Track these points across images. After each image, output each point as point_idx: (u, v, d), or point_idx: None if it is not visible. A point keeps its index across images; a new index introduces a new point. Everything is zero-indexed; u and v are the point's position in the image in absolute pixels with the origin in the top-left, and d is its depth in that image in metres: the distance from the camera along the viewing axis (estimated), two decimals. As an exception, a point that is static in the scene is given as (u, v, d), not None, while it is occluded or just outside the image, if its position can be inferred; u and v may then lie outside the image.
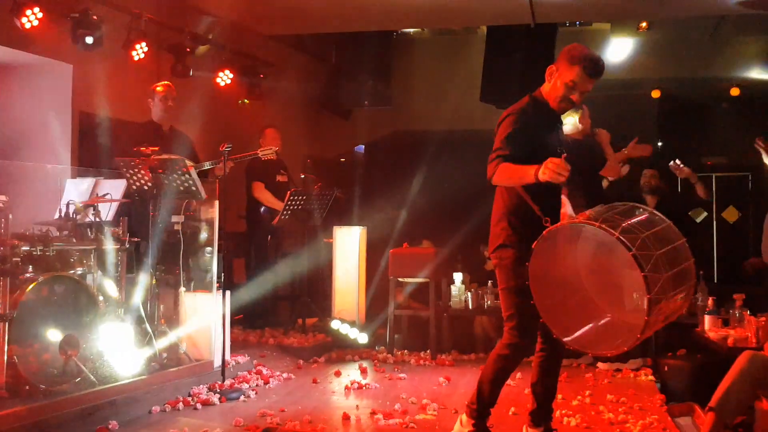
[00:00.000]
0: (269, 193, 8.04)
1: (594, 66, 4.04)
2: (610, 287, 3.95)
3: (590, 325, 3.95)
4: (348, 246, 8.15)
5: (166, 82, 6.99)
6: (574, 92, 4.07)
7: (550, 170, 3.65)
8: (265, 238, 8.12)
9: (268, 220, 7.98)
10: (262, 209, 8.05)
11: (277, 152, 7.14)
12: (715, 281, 9.49)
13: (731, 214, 10.61)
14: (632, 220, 3.75)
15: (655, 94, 10.67)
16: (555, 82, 4.12)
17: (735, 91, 10.37)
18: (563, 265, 3.99)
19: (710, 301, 6.05)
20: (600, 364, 6.69)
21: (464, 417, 4.28)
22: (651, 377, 6.36)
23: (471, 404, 4.25)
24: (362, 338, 7.71)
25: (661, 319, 3.74)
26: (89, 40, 6.92)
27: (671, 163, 7.37)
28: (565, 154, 3.77)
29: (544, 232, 3.82)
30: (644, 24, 10.00)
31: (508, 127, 4.04)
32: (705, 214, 10.11)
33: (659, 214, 3.91)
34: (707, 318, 5.89)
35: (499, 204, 4.21)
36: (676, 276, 3.69)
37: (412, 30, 10.45)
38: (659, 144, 11.08)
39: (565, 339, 3.93)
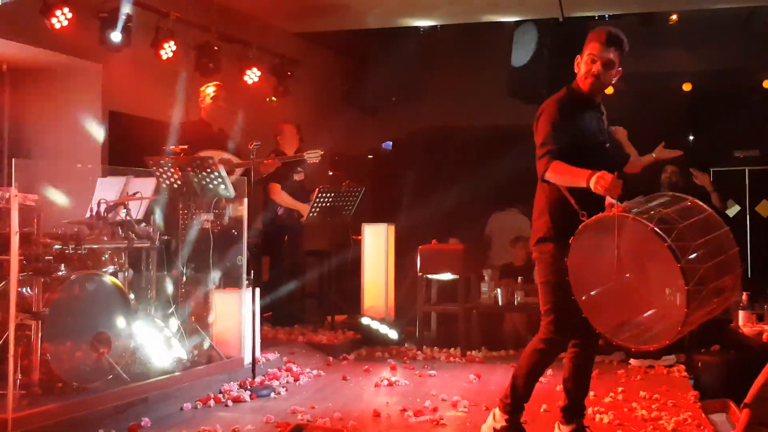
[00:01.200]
0: (286, 194, 7.90)
1: (606, 33, 4.07)
2: (650, 280, 3.89)
3: (632, 318, 3.90)
4: (377, 243, 8.14)
5: (216, 83, 7.11)
6: (594, 64, 4.07)
7: (602, 186, 3.65)
8: (282, 239, 8.05)
9: (285, 220, 7.94)
10: (279, 210, 7.94)
11: (322, 155, 7.12)
12: (749, 276, 9.37)
13: (765, 208, 10.47)
14: (669, 210, 3.68)
15: (687, 87, 10.56)
16: (580, 66, 4.14)
17: (767, 83, 10.23)
18: (602, 260, 3.94)
19: (744, 297, 5.98)
20: (633, 361, 6.63)
21: (497, 412, 4.26)
22: (684, 373, 6.30)
23: (504, 399, 4.22)
24: (393, 334, 7.70)
25: (706, 310, 3.68)
26: (116, 37, 6.98)
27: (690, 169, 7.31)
28: (608, 144, 3.82)
29: (579, 227, 3.79)
30: (674, 17, 9.89)
31: (549, 120, 4.03)
32: (738, 208, 9.97)
33: (700, 203, 3.84)
34: (741, 313, 5.83)
35: (540, 197, 4.18)
36: (719, 266, 3.62)
37: (438, 25, 10.41)
38: (690, 138, 10.96)
39: (609, 335, 3.89)
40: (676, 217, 3.63)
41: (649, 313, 3.87)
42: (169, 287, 5.85)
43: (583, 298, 3.88)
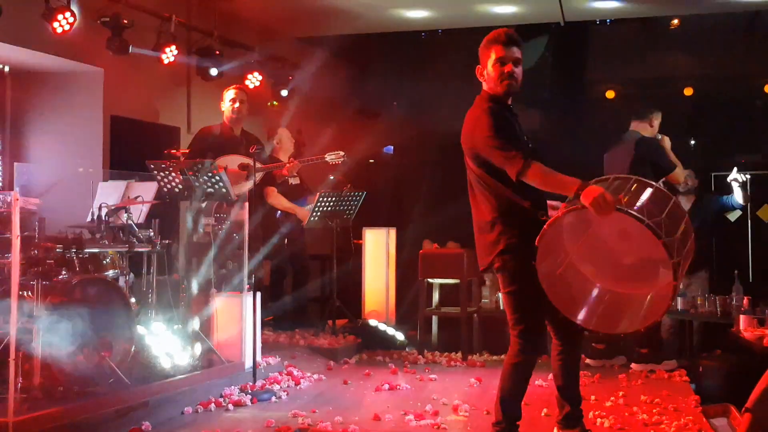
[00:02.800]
0: (283, 198, 7.85)
1: (504, 33, 4.08)
2: (625, 265, 3.96)
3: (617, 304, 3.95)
4: (378, 247, 8.15)
5: (237, 86, 7.14)
6: (505, 66, 4.04)
7: (597, 205, 3.54)
8: (282, 242, 8.04)
9: (283, 225, 7.93)
10: (278, 214, 7.92)
11: (345, 157, 7.12)
12: (751, 280, 9.35)
13: (766, 213, 10.44)
14: (624, 193, 3.75)
15: (688, 91, 10.54)
16: (488, 74, 4.10)
17: (769, 88, 10.22)
18: (567, 256, 3.97)
19: (745, 301, 5.98)
20: (633, 365, 6.63)
21: None
22: (686, 378, 6.29)
23: (498, 424, 4.09)
24: (399, 336, 7.71)
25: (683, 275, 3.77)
26: (123, 45, 7.02)
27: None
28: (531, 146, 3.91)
29: (545, 227, 3.76)
30: (676, 21, 9.88)
31: (496, 125, 3.95)
32: (740, 213, 9.95)
33: (643, 179, 3.93)
34: (742, 318, 5.82)
35: (483, 210, 4.08)
36: (684, 234, 3.72)
37: (440, 29, 10.41)
38: (692, 142, 10.94)
39: (603, 329, 3.94)
40: (633, 199, 3.72)
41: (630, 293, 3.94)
42: (170, 291, 5.85)
43: (558, 299, 3.92)
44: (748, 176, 7.54)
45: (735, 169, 7.34)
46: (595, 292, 3.99)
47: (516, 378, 4.08)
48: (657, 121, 6.65)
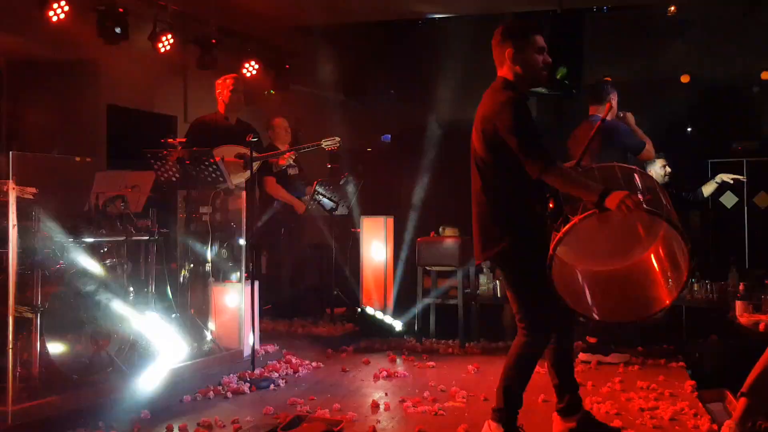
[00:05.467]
0: (281, 188, 7.89)
1: (539, 24, 4.19)
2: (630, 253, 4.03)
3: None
4: (375, 235, 8.15)
5: (233, 74, 7.12)
6: (545, 54, 4.08)
7: (624, 206, 3.63)
8: (279, 232, 8.05)
9: (281, 214, 7.95)
10: (275, 203, 7.93)
11: (340, 142, 7.11)
12: (747, 266, 9.37)
13: (762, 200, 10.46)
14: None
15: (684, 78, 10.54)
16: (526, 61, 4.06)
17: (766, 75, 10.21)
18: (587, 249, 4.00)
19: (741, 287, 5.98)
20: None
21: (492, 423, 4.10)
22: (682, 363, 6.31)
23: (499, 410, 4.09)
24: (397, 325, 7.73)
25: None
26: (119, 34, 7.00)
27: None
28: None
29: (560, 233, 3.79)
30: (673, 8, 9.87)
31: (522, 112, 3.93)
32: (736, 200, 9.97)
33: (622, 164, 4.10)
34: (738, 303, 5.83)
35: (487, 201, 4.06)
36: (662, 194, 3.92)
37: (438, 17, 10.39)
38: (689, 129, 10.95)
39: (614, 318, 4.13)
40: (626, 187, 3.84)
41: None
42: (168, 280, 5.86)
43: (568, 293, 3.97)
44: (744, 179, 7.48)
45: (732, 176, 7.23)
46: (595, 281, 4.04)
47: (521, 368, 4.09)
48: (615, 99, 6.29)
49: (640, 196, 3.75)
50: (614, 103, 6.24)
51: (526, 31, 4.08)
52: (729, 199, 10.16)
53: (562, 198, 3.98)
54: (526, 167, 3.86)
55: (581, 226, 3.81)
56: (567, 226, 3.78)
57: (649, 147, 6.24)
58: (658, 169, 7.12)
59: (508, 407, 4.08)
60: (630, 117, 6.38)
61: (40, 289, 4.66)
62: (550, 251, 3.81)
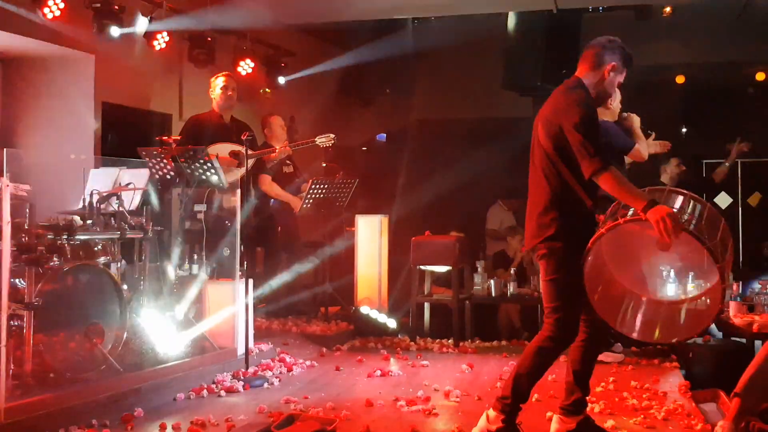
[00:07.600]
0: (277, 186, 7.85)
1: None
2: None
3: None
4: (370, 235, 8.14)
5: (226, 73, 7.14)
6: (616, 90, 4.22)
7: (663, 228, 3.63)
8: (274, 230, 8.04)
9: (277, 212, 7.93)
10: (271, 202, 7.89)
11: (335, 139, 7.10)
12: (740, 267, 9.40)
13: (756, 200, 10.50)
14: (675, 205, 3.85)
15: (680, 79, 10.56)
16: (612, 81, 4.20)
17: (761, 76, 10.24)
18: (616, 261, 4.03)
19: (735, 287, 5.99)
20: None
21: (492, 412, 4.11)
22: (675, 363, 6.32)
23: (504, 399, 4.08)
24: (392, 323, 7.73)
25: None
26: (114, 31, 6.99)
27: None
28: None
29: (602, 230, 3.84)
30: (668, 9, 9.88)
31: (589, 114, 3.99)
32: (731, 200, 10.00)
33: (681, 190, 4.08)
34: (732, 304, 5.85)
35: (543, 191, 4.09)
36: (722, 238, 3.81)
37: (433, 16, 10.39)
38: (683, 130, 10.97)
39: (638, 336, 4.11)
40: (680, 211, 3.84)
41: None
42: (162, 278, 5.85)
43: (596, 297, 4.02)
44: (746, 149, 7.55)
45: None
46: (633, 302, 4.10)
47: (538, 362, 4.08)
48: (615, 101, 6.25)
49: (686, 218, 3.76)
50: (614, 104, 6.25)
51: (629, 64, 4.26)
52: (723, 200, 10.18)
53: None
54: (581, 166, 3.90)
55: (625, 228, 3.84)
56: (610, 224, 3.83)
57: (639, 147, 6.24)
58: (672, 168, 7.27)
59: (514, 398, 4.08)
60: (634, 119, 6.41)
61: (33, 287, 4.65)
62: (589, 245, 3.86)
